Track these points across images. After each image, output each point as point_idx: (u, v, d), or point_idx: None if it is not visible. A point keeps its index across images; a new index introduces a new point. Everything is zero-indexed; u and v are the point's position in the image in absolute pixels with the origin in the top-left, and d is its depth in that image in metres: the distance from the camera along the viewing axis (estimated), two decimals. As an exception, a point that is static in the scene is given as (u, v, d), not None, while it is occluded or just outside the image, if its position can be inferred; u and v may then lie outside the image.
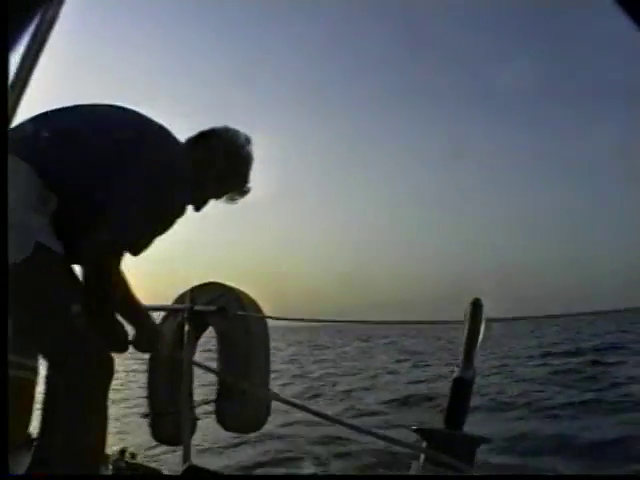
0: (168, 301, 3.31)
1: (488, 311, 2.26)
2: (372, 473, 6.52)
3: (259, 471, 6.01)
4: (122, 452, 2.98)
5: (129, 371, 11.85)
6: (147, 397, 3.23)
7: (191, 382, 3.12)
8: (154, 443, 3.27)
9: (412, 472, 2.09)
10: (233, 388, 3.08)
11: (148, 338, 2.55)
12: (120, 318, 2.41)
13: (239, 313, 3.16)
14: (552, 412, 9.84)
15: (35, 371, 3.16)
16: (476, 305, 2.32)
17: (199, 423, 3.19)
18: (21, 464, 2.71)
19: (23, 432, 3.06)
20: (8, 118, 0.87)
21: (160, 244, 2.34)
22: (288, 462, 7.04)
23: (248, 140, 2.52)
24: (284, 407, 3.07)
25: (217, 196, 2.50)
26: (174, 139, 2.41)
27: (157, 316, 3.13)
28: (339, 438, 7.61)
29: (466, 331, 2.28)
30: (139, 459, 3.08)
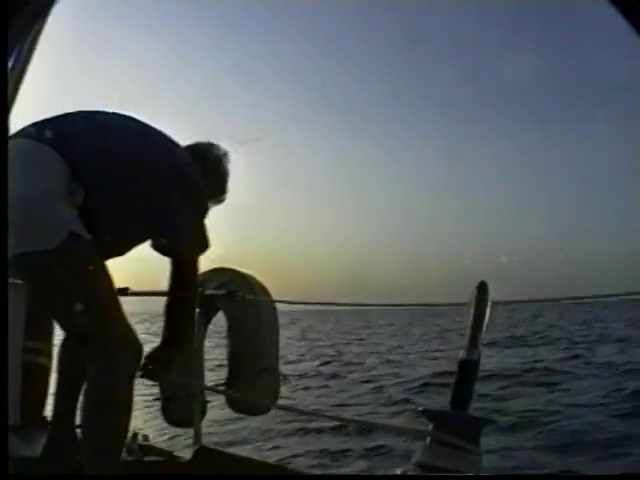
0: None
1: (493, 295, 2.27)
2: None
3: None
4: (134, 435, 3.02)
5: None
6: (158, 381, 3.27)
7: (202, 365, 3.15)
8: (166, 425, 3.30)
9: (418, 454, 2.11)
10: (242, 371, 3.12)
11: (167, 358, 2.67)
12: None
13: (248, 297, 3.19)
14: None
15: (50, 356, 3.20)
16: (482, 288, 2.33)
17: (209, 405, 3.22)
18: (37, 446, 2.76)
19: (39, 415, 3.10)
20: (8, 118, 0.89)
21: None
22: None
23: (227, 155, 2.70)
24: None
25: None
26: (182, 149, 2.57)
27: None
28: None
29: (472, 314, 2.30)
30: (151, 441, 3.12)
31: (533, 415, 8.93)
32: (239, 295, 3.16)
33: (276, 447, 7.12)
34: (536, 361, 15.72)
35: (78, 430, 2.80)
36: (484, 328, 2.28)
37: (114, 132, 2.38)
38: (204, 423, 3.11)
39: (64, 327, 2.47)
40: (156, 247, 2.57)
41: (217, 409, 3.48)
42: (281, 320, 3.16)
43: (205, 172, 2.54)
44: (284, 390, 3.26)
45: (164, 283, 2.60)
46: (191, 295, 2.63)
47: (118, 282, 2.37)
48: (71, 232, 2.08)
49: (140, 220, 2.37)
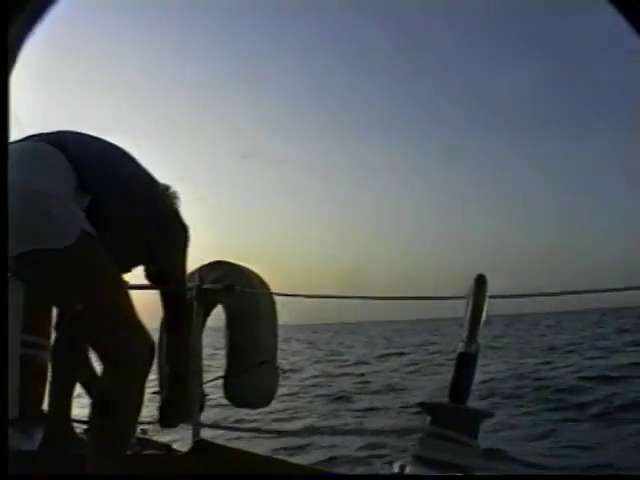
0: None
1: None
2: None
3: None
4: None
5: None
6: (158, 375, 3.27)
7: (200, 359, 3.15)
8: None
9: (416, 447, 2.11)
10: (241, 364, 3.12)
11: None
12: None
13: (247, 290, 3.19)
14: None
15: (47, 349, 3.21)
16: (480, 281, 2.33)
17: (208, 399, 3.22)
18: (35, 440, 2.76)
19: (37, 408, 3.11)
20: (8, 118, 0.89)
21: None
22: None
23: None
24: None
25: None
26: None
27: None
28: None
29: (470, 306, 2.30)
30: (149, 434, 3.12)
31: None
32: (237, 288, 3.16)
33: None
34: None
35: (74, 424, 2.82)
36: (482, 321, 2.28)
37: (116, 159, 2.44)
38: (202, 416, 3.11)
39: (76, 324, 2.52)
40: (149, 276, 2.64)
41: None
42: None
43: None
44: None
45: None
46: (186, 335, 2.77)
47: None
48: (84, 231, 2.09)
49: (134, 245, 2.42)
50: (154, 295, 2.69)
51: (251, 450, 3.31)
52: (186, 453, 2.84)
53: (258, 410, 3.54)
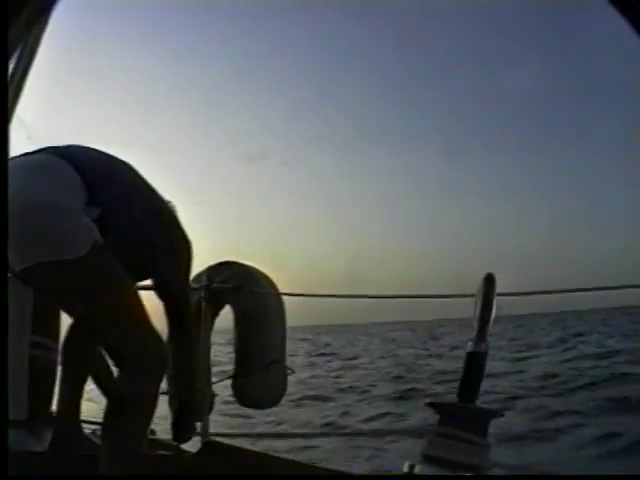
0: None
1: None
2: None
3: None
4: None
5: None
6: (166, 375, 3.27)
7: (209, 359, 3.15)
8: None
9: (425, 447, 2.11)
10: (250, 365, 3.11)
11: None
12: None
13: (256, 290, 3.19)
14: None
15: (56, 351, 3.21)
16: (489, 280, 2.32)
17: (216, 399, 3.22)
18: (44, 441, 2.77)
19: (46, 409, 3.11)
20: (8, 119, 0.89)
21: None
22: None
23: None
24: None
25: None
26: None
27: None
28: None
29: (479, 306, 2.29)
30: (158, 435, 3.12)
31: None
32: (246, 288, 3.16)
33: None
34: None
35: (84, 424, 2.82)
36: (492, 320, 2.27)
37: (124, 173, 2.47)
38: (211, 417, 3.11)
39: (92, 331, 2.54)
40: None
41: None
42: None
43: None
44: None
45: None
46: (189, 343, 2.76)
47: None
48: (96, 241, 2.10)
49: (140, 258, 2.43)
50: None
51: (260, 450, 3.31)
52: (195, 453, 2.84)
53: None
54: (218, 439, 3.02)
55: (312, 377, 16.42)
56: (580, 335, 27.91)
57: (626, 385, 11.33)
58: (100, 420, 2.92)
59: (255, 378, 3.11)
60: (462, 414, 2.15)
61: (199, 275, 3.29)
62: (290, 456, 3.36)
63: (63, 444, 2.64)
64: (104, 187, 2.26)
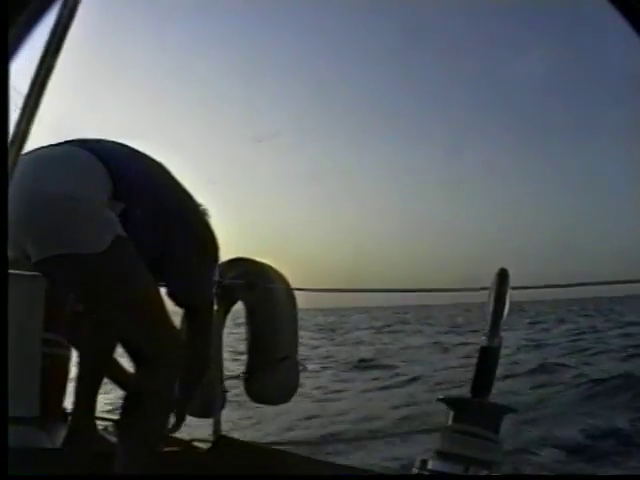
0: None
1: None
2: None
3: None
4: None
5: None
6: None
7: (221, 356, 3.15)
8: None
9: (438, 442, 2.09)
10: (262, 361, 3.11)
11: None
12: None
13: (268, 286, 3.18)
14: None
15: (69, 348, 3.22)
16: (502, 275, 2.31)
17: (228, 395, 3.22)
18: (56, 438, 2.77)
19: (59, 406, 3.12)
20: (8, 117, 0.88)
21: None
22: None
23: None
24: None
25: None
26: None
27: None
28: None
29: (493, 300, 2.28)
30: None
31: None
32: (258, 285, 3.15)
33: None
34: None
35: (97, 421, 2.82)
36: (505, 315, 2.26)
37: (153, 171, 2.45)
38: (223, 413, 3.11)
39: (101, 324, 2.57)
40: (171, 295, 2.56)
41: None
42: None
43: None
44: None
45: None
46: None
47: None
48: (118, 235, 2.09)
49: (162, 258, 2.39)
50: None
51: (272, 446, 3.31)
52: (207, 450, 2.84)
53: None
54: (230, 435, 3.02)
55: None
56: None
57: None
58: (114, 417, 2.95)
59: (267, 374, 3.11)
60: (475, 410, 2.14)
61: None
62: (302, 452, 3.34)
63: (77, 441, 2.64)
64: (130, 183, 2.25)
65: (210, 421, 3.05)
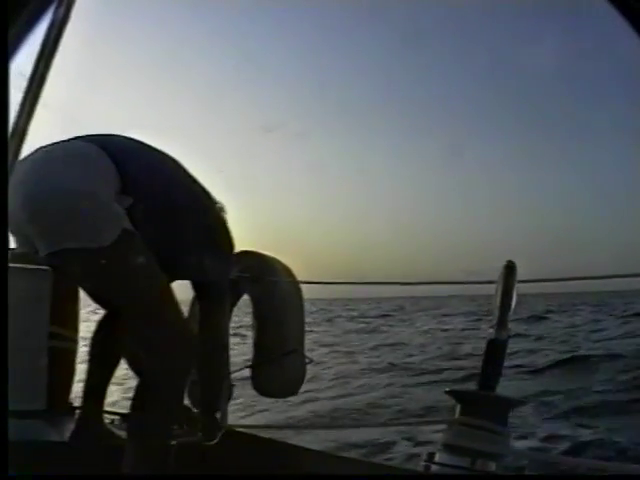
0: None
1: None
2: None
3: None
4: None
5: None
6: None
7: (228, 349, 3.15)
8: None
9: (446, 435, 2.09)
10: (269, 354, 3.11)
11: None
12: None
13: (274, 280, 3.18)
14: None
15: (76, 341, 3.23)
16: (509, 267, 2.31)
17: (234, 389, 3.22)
18: (63, 431, 2.78)
19: (65, 400, 3.13)
20: (7, 118, 0.88)
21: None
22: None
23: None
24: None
25: None
26: None
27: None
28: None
29: (500, 293, 2.27)
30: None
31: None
32: (265, 278, 3.15)
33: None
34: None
35: (105, 415, 2.83)
36: (512, 308, 2.25)
37: (163, 165, 2.44)
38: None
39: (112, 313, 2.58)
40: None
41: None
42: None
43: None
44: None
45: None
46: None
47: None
48: (125, 229, 2.09)
49: (171, 254, 2.38)
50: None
51: (281, 439, 3.31)
52: (215, 442, 2.84)
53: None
54: (238, 428, 3.02)
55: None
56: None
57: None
58: (121, 410, 2.95)
59: (273, 367, 3.11)
60: (483, 403, 2.14)
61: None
62: (311, 445, 3.34)
63: (84, 435, 2.65)
64: (138, 177, 2.25)
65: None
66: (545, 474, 3.41)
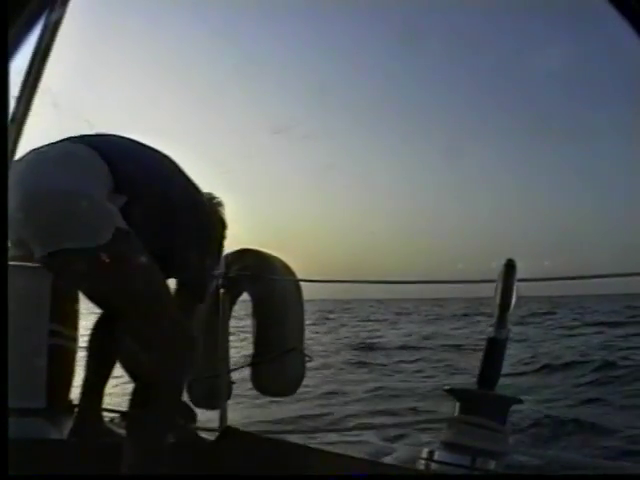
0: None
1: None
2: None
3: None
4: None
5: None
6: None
7: (227, 347, 3.15)
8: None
9: (445, 433, 2.09)
10: (268, 352, 3.11)
11: None
12: None
13: (274, 277, 3.18)
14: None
15: (76, 340, 3.23)
16: (509, 266, 2.31)
17: (234, 387, 3.22)
18: (63, 429, 2.78)
19: (66, 398, 3.13)
20: (7, 118, 0.88)
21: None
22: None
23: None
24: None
25: None
26: None
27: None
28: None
29: (499, 291, 2.27)
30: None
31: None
32: (264, 276, 3.15)
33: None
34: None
35: (104, 412, 2.83)
36: (512, 306, 2.25)
37: (156, 164, 2.44)
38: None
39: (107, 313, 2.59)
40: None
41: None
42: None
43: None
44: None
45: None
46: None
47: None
48: (118, 228, 2.09)
49: (166, 252, 2.38)
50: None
51: (280, 437, 3.31)
52: (214, 441, 2.84)
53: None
54: (237, 426, 3.02)
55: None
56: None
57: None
58: (120, 408, 2.95)
59: (273, 366, 3.11)
60: (482, 401, 2.15)
61: (217, 262, 3.29)
62: (310, 443, 3.34)
63: (83, 432, 2.65)
64: (131, 176, 2.25)
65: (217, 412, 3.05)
66: (545, 474, 3.41)
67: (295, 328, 3.22)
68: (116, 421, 2.96)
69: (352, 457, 3.11)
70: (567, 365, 14.27)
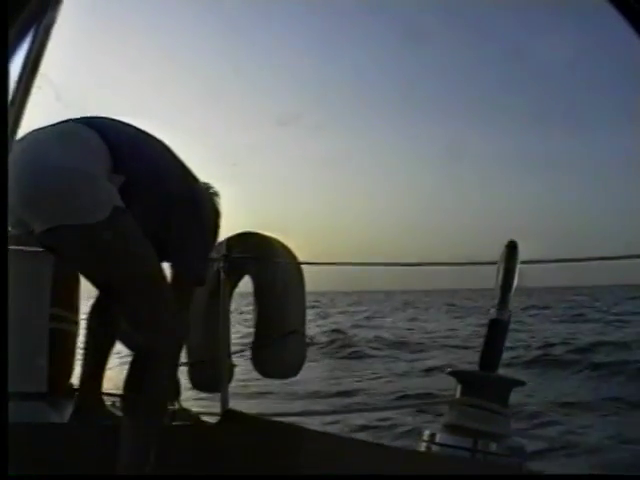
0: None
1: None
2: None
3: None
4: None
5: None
6: (185, 346, 3.27)
7: (228, 330, 3.15)
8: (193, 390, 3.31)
9: (447, 415, 2.09)
10: (269, 335, 3.11)
11: None
12: None
13: (275, 260, 3.17)
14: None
15: (77, 324, 3.23)
16: (511, 247, 2.30)
17: (236, 370, 3.22)
18: (64, 413, 2.78)
19: (65, 382, 3.13)
20: (7, 116, 0.87)
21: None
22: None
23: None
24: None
25: None
26: None
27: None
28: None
29: (502, 273, 2.26)
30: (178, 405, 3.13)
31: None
32: (265, 258, 3.15)
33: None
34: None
35: (105, 396, 2.83)
36: (514, 287, 2.25)
37: (150, 144, 2.44)
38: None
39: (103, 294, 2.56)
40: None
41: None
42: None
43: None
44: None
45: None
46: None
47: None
48: (116, 206, 2.09)
49: (163, 232, 2.37)
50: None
51: (281, 420, 3.31)
52: (215, 424, 2.84)
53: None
54: (238, 409, 3.02)
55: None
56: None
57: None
58: (121, 392, 2.95)
59: (274, 348, 3.11)
60: (483, 383, 2.14)
61: (218, 246, 3.28)
62: (311, 426, 3.34)
63: (84, 415, 2.65)
64: (130, 158, 2.24)
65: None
66: (545, 474, 3.41)
67: (296, 311, 3.22)
68: (117, 404, 2.96)
69: (354, 439, 3.12)
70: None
